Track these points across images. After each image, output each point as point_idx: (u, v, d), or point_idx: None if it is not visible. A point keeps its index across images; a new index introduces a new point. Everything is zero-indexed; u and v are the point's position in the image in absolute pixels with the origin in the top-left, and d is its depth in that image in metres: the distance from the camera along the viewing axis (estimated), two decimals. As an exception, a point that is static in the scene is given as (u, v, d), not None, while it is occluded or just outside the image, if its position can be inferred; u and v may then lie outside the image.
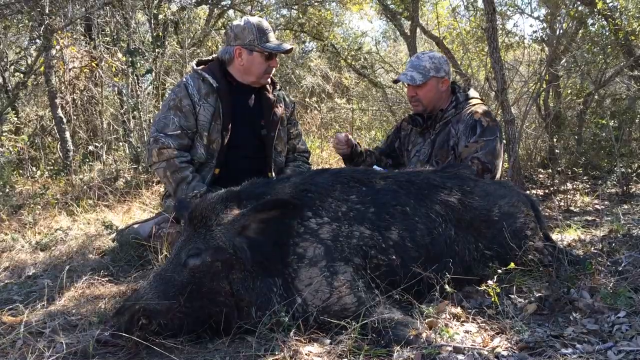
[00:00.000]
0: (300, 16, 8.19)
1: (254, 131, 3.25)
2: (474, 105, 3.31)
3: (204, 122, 3.10)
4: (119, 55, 6.24)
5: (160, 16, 6.61)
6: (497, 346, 1.80)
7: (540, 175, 5.59)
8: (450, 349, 1.77)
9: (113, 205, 4.54)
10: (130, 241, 3.17)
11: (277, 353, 1.82)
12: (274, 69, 3.23)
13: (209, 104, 3.12)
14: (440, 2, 7.18)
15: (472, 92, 3.43)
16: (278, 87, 3.39)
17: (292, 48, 3.24)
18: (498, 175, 3.17)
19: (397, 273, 2.15)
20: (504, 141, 3.49)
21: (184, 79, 3.20)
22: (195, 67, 3.23)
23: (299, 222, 2.11)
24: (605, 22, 5.47)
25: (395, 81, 3.58)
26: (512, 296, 2.20)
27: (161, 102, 6.03)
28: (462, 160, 3.13)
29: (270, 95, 3.29)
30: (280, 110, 3.33)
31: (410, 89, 3.35)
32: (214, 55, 3.35)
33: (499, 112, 4.79)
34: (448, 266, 2.22)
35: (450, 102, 3.34)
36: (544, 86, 5.66)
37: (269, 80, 3.31)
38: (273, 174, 3.30)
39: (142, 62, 6.07)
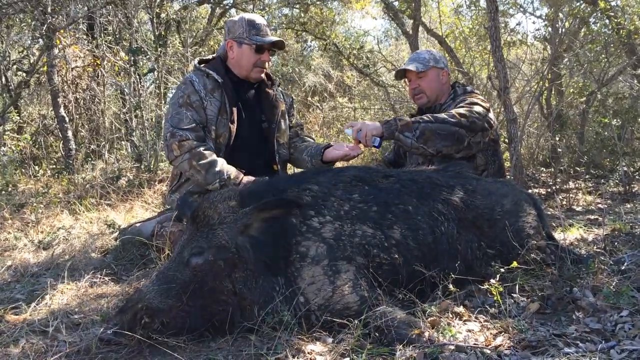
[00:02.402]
0: (302, 15, 8.19)
1: (256, 125, 3.29)
2: (471, 96, 3.31)
3: (212, 116, 3.14)
4: (121, 54, 6.25)
5: (163, 15, 6.62)
6: (500, 345, 1.80)
7: (543, 174, 5.59)
8: (452, 347, 1.77)
9: (115, 204, 4.55)
10: (132, 240, 3.18)
11: (279, 352, 1.83)
12: (266, 64, 3.25)
13: (215, 99, 3.15)
14: (443, 0, 7.17)
15: (471, 89, 3.45)
16: (277, 83, 3.45)
17: (281, 41, 3.26)
18: (476, 148, 3.12)
19: (399, 272, 2.15)
20: (499, 134, 3.45)
21: (188, 77, 3.23)
22: (197, 65, 3.27)
23: (301, 221, 2.11)
24: (607, 21, 5.46)
25: (397, 76, 3.62)
26: (514, 295, 2.19)
27: (163, 102, 6.05)
28: None
29: (270, 90, 3.35)
30: (280, 104, 3.38)
31: (413, 81, 3.39)
32: (215, 54, 3.39)
33: (501, 111, 4.78)
34: (450, 265, 2.22)
35: (449, 95, 3.37)
36: (547, 85, 5.66)
37: (266, 76, 3.35)
38: (278, 166, 3.32)
39: (145, 61, 6.09)
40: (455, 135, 2.96)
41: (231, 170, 2.98)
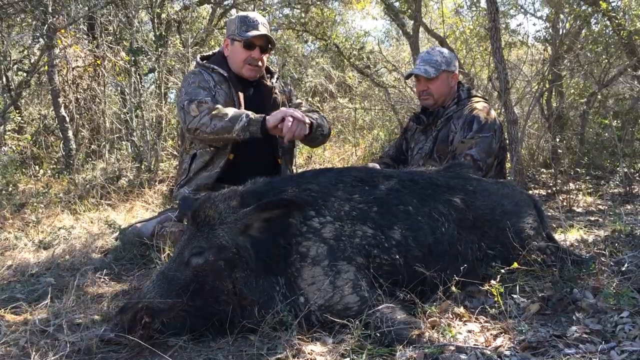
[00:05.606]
0: (303, 15, 8.18)
1: None
2: (476, 102, 3.33)
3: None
4: (122, 54, 6.25)
5: (163, 15, 6.61)
6: (500, 346, 1.80)
7: (543, 175, 5.59)
8: (452, 348, 1.77)
9: (116, 204, 4.55)
10: (132, 240, 3.18)
11: (280, 352, 1.83)
12: (259, 62, 3.25)
13: (223, 91, 3.20)
14: (444, 0, 7.16)
15: (474, 92, 3.48)
16: (276, 76, 3.48)
17: (267, 35, 3.25)
18: (491, 174, 3.20)
19: (400, 272, 2.15)
20: (506, 139, 3.50)
21: (196, 70, 3.26)
22: (200, 61, 3.30)
23: (301, 221, 2.11)
24: (608, 22, 5.45)
25: (408, 76, 3.68)
26: (515, 296, 2.19)
27: (164, 102, 6.06)
28: (456, 156, 3.17)
29: (268, 83, 3.38)
30: (279, 97, 3.40)
31: (422, 83, 3.39)
32: (214, 51, 3.43)
33: (501, 112, 4.78)
34: (451, 266, 2.22)
35: (452, 98, 3.37)
36: (547, 86, 5.65)
37: (265, 69, 3.37)
38: (281, 160, 3.33)
39: (145, 61, 6.08)
40: None
41: (250, 112, 2.99)
